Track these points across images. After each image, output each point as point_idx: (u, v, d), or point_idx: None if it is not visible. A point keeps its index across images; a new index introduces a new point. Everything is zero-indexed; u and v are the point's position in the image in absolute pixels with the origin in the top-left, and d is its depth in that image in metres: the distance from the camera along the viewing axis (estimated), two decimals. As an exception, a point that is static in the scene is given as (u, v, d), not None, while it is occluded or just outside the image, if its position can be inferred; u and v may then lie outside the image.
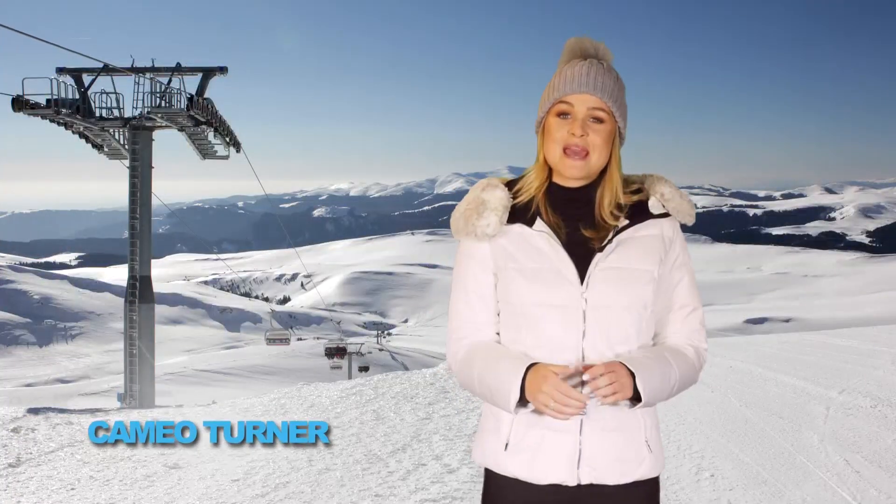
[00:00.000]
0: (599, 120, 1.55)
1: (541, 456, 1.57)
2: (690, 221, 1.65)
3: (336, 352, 45.84)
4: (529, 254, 1.59)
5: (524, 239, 1.60)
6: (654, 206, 1.63)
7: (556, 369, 1.48)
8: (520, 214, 1.61)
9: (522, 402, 1.53)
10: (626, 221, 1.60)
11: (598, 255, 1.56)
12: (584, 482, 1.56)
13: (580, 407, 1.45)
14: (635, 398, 1.50)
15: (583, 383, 1.49)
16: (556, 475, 1.56)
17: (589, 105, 1.54)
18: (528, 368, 1.51)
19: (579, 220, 1.60)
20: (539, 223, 1.59)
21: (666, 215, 1.63)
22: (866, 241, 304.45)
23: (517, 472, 1.59)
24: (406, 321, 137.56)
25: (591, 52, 1.60)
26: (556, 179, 1.63)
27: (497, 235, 1.62)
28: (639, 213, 1.61)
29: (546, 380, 1.46)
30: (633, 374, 1.48)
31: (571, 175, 1.58)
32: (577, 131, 1.54)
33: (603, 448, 1.56)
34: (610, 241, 1.58)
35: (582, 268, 1.56)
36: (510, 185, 1.67)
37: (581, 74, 1.55)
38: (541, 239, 1.58)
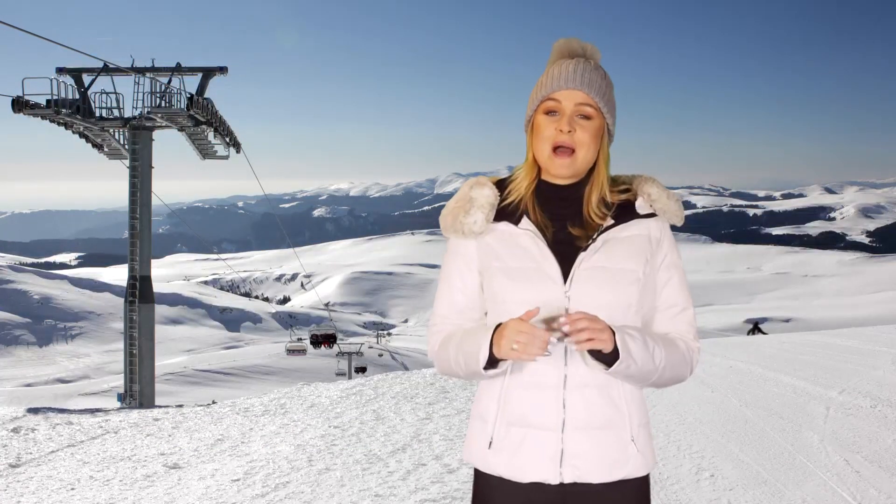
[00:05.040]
0: (587, 116, 1.55)
1: (523, 454, 1.56)
2: (679, 222, 1.65)
3: (323, 339, 42.08)
4: (514, 252, 1.58)
5: (510, 237, 1.60)
6: (640, 206, 1.62)
7: (524, 317, 1.46)
8: (507, 213, 1.62)
9: (494, 365, 1.52)
10: (612, 221, 1.59)
11: (583, 254, 1.56)
12: (567, 481, 1.55)
13: (544, 344, 1.42)
14: (611, 362, 1.47)
15: (565, 336, 1.46)
16: (538, 473, 1.55)
17: (576, 101, 1.54)
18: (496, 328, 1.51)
19: (567, 218, 1.60)
20: (525, 221, 1.59)
21: (653, 215, 1.63)
22: (866, 241, 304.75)
23: (500, 470, 1.59)
24: (406, 321, 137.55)
25: (578, 51, 1.60)
26: (545, 177, 1.63)
27: (484, 233, 1.62)
28: (625, 212, 1.61)
29: (507, 324, 1.46)
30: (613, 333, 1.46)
31: (559, 174, 1.58)
32: (564, 127, 1.53)
33: (586, 446, 1.55)
34: (594, 240, 1.57)
35: (566, 266, 1.55)
36: (500, 183, 1.67)
37: (568, 71, 1.55)
38: (526, 237, 1.58)
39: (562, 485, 1.56)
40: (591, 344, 1.43)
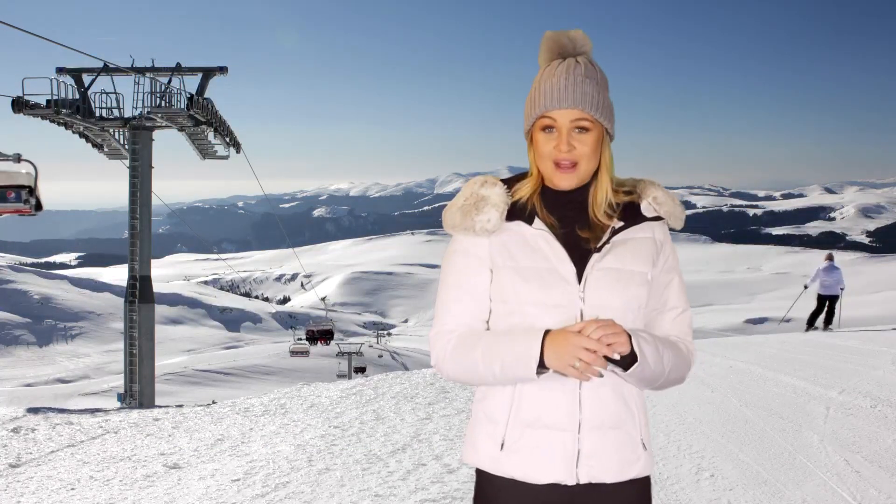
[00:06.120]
0: (584, 129, 1.54)
1: (539, 455, 1.56)
2: (680, 226, 1.66)
3: (320, 335, 40.57)
4: (527, 252, 1.58)
5: (523, 237, 1.59)
6: (646, 209, 1.63)
7: (575, 328, 1.46)
8: (518, 213, 1.61)
9: (542, 369, 1.49)
10: (622, 223, 1.60)
11: (595, 256, 1.56)
12: (582, 481, 1.56)
13: (604, 364, 1.43)
14: (628, 364, 1.48)
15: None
16: (554, 474, 1.55)
17: (571, 118, 1.53)
18: (545, 333, 1.49)
19: (573, 220, 1.60)
20: (538, 222, 1.59)
21: (658, 219, 1.64)
22: (866, 241, 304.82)
23: (514, 473, 1.58)
24: (406, 321, 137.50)
25: (568, 47, 1.57)
26: (548, 184, 1.63)
27: (496, 232, 1.60)
28: (632, 215, 1.62)
29: (567, 337, 1.44)
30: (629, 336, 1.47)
31: (564, 186, 1.58)
32: (563, 147, 1.53)
33: (601, 446, 1.56)
34: (607, 241, 1.58)
35: (579, 268, 1.56)
36: (504, 184, 1.65)
37: (559, 88, 1.52)
38: (540, 238, 1.58)
39: (576, 485, 1.57)
40: (609, 350, 1.44)
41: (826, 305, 14.16)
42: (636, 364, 1.48)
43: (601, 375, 1.47)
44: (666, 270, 1.64)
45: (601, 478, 1.56)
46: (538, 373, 1.49)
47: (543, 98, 1.54)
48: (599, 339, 1.43)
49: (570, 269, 1.55)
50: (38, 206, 13.00)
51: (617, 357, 1.46)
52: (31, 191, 12.69)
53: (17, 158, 12.55)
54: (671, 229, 1.68)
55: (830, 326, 14.22)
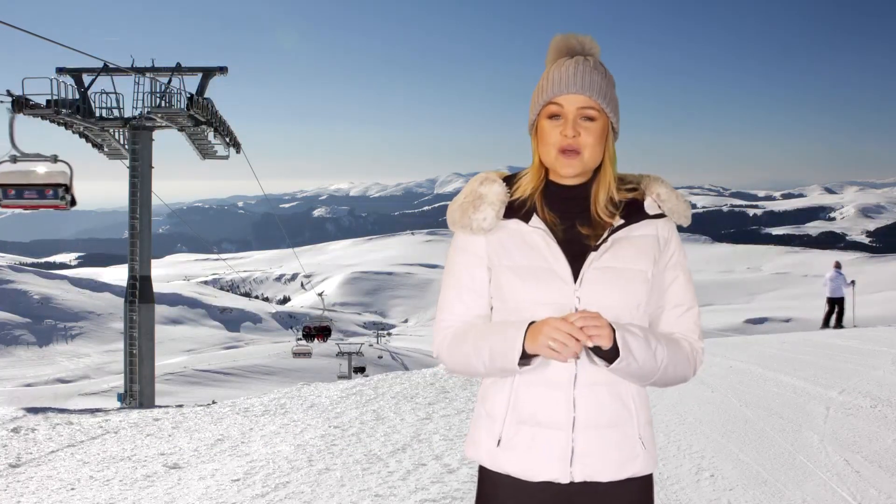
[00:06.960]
0: (590, 118, 1.54)
1: (533, 453, 1.56)
2: (686, 223, 1.65)
3: (317, 333, 40.03)
4: (524, 250, 1.58)
5: (520, 235, 1.59)
6: (649, 206, 1.62)
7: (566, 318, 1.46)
8: (516, 210, 1.61)
9: (525, 361, 1.51)
10: (622, 221, 1.59)
11: (593, 254, 1.56)
12: (577, 479, 1.55)
13: (580, 346, 1.43)
14: (613, 359, 1.48)
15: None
16: (548, 472, 1.55)
17: (578, 105, 1.53)
18: (528, 325, 1.50)
19: (575, 217, 1.60)
20: (535, 220, 1.59)
21: (661, 216, 1.63)
22: (866, 241, 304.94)
23: (510, 469, 1.58)
24: (406, 321, 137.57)
25: (577, 48, 1.59)
26: (552, 178, 1.63)
27: (493, 230, 1.61)
28: (634, 212, 1.61)
29: (546, 321, 1.45)
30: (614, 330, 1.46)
31: (567, 173, 1.57)
32: (568, 132, 1.53)
33: (596, 445, 1.55)
34: (605, 240, 1.57)
35: (576, 266, 1.55)
36: (508, 180, 1.66)
37: (568, 75, 1.54)
38: (536, 236, 1.58)
39: (571, 483, 1.56)
40: (589, 340, 1.43)
41: (835, 307, 16.50)
42: (619, 359, 1.47)
43: (577, 357, 1.47)
44: (671, 267, 1.64)
45: (597, 476, 1.56)
46: (521, 364, 1.50)
47: (551, 85, 1.55)
48: (581, 328, 1.42)
49: (566, 267, 1.55)
50: (73, 202, 14.31)
51: (590, 345, 1.45)
52: (67, 188, 13.95)
53: (55, 159, 13.90)
54: (677, 226, 1.67)
55: (842, 324, 16.36)
